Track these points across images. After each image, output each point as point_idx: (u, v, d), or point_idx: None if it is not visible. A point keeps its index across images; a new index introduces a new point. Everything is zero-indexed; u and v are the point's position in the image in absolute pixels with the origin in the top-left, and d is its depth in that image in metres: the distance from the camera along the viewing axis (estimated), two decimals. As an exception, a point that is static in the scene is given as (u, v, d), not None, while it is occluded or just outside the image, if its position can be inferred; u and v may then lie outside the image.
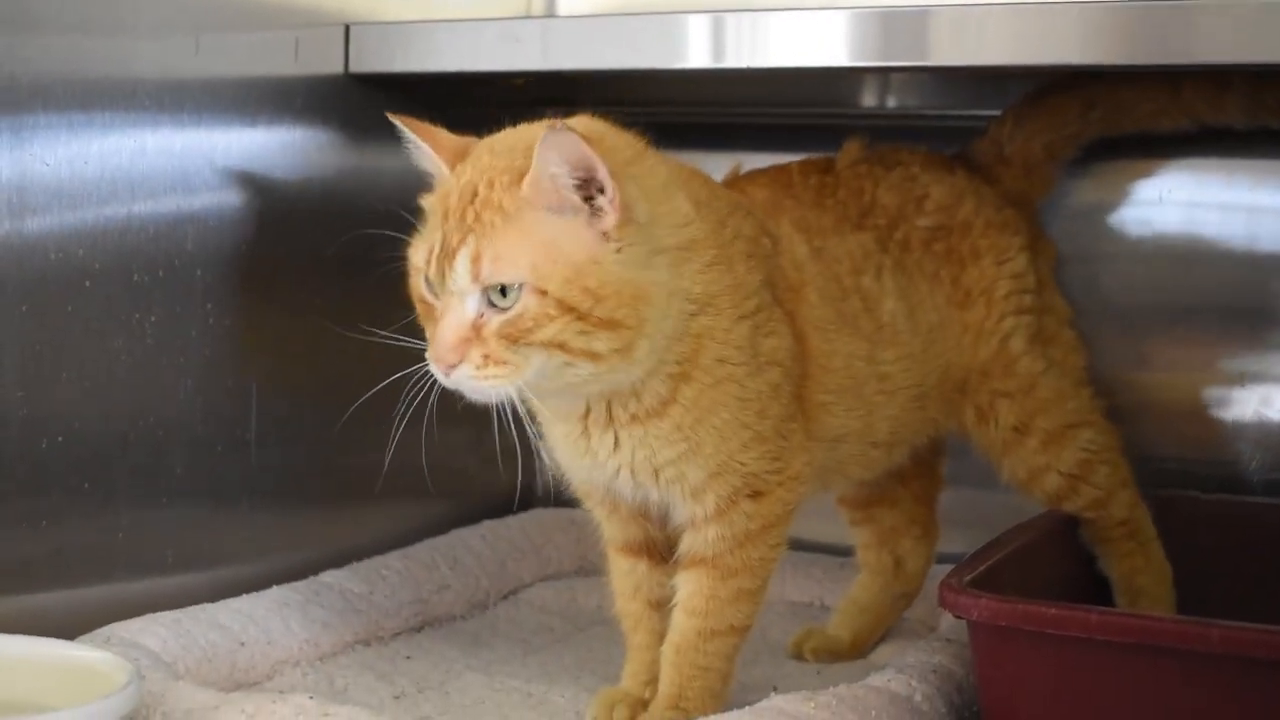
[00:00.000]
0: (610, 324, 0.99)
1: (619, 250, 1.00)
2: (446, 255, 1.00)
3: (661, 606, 1.15)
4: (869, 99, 1.55)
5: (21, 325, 1.12)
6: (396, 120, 1.08)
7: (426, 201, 1.07)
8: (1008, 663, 1.02)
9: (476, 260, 0.99)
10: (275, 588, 1.26)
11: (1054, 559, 1.25)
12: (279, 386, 1.34)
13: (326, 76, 1.37)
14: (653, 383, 1.04)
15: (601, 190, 0.99)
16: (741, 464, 1.07)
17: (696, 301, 1.04)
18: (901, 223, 1.24)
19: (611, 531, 1.15)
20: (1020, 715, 1.03)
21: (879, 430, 1.19)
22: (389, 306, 1.46)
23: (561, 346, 0.99)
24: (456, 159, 1.05)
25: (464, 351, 0.99)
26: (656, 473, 1.07)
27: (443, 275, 1.00)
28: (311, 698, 1.01)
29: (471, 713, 1.16)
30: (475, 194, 1.01)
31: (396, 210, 1.46)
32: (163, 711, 0.99)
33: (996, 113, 1.37)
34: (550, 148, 0.98)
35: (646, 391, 1.05)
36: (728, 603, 1.10)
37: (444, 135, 1.07)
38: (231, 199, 1.29)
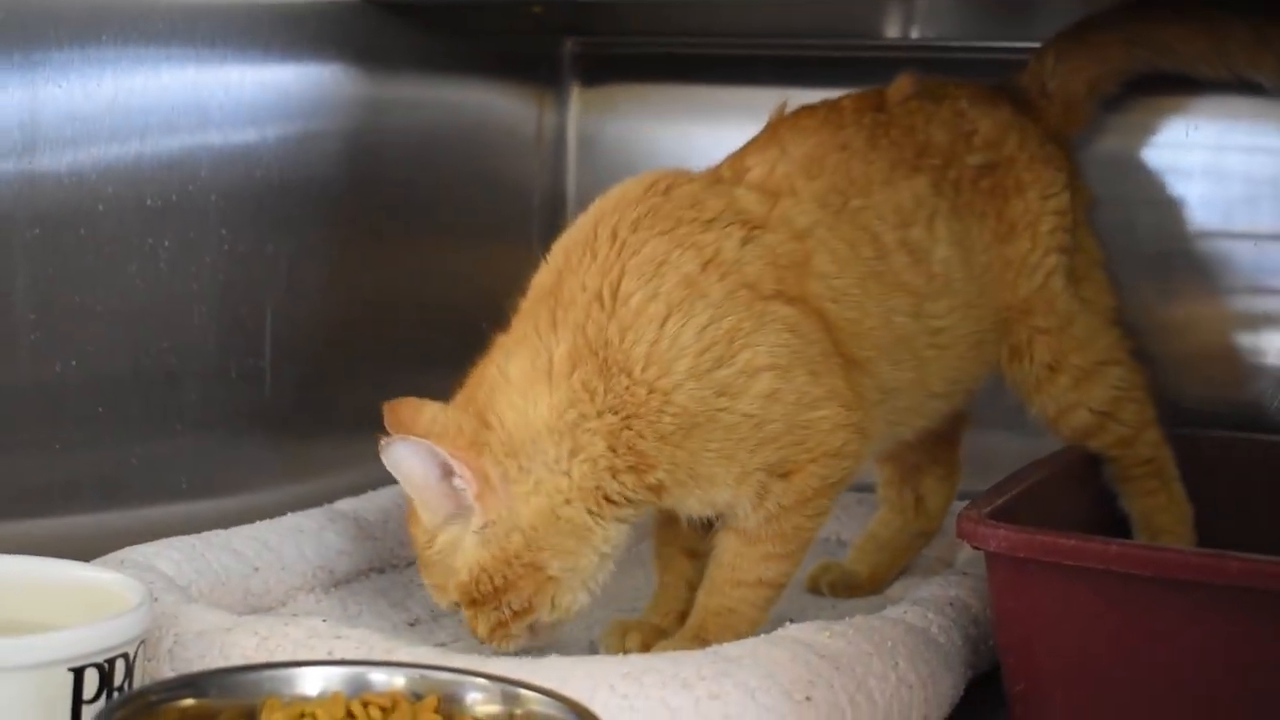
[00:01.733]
0: (517, 586, 1.05)
1: (480, 529, 1.04)
2: None
3: (696, 556, 1.14)
4: (893, 29, 1.53)
5: (33, 250, 1.11)
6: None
7: None
8: (1025, 595, 1.01)
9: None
10: (290, 515, 1.25)
11: (1073, 494, 1.24)
12: (294, 315, 1.33)
13: (343, 3, 1.36)
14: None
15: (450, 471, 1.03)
16: (756, 466, 1.06)
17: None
18: (954, 161, 1.21)
19: None
20: (1037, 648, 1.01)
21: (934, 382, 1.17)
22: (404, 237, 1.47)
23: (518, 616, 1.05)
24: None
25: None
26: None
27: None
28: (324, 621, 1.00)
29: (485, 640, 1.15)
30: None
31: (412, 139, 1.46)
32: (175, 633, 0.99)
33: (1023, 45, 1.36)
34: (393, 467, 1.04)
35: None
36: (757, 562, 1.09)
37: None
38: (247, 127, 1.28)
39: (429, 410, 1.06)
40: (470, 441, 1.03)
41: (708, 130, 1.57)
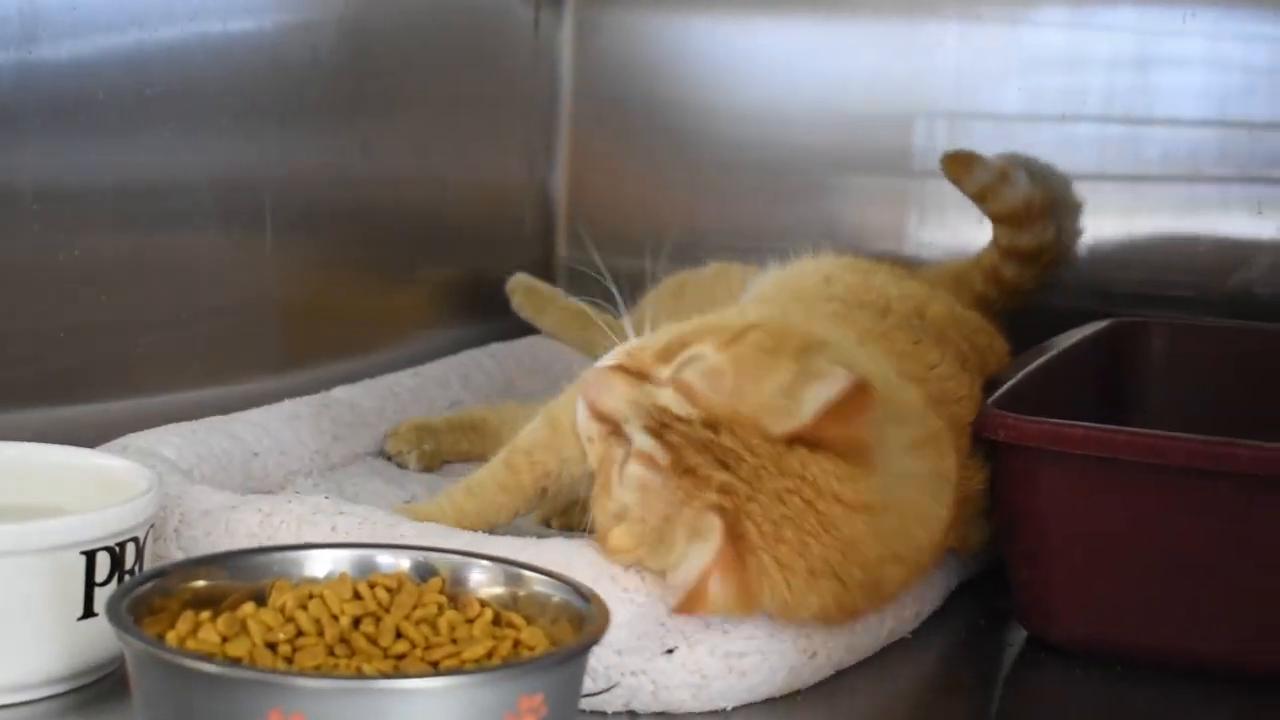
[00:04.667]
0: None
1: None
2: None
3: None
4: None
5: (34, 139, 1.11)
6: None
7: None
8: (1034, 485, 1.01)
9: None
10: (288, 401, 1.27)
11: (1080, 380, 1.24)
12: (292, 202, 1.33)
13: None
14: None
15: None
16: None
17: None
18: None
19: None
20: (1051, 538, 1.01)
21: None
22: (401, 124, 1.47)
23: None
24: None
25: None
26: None
27: None
28: (327, 497, 1.02)
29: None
30: None
31: (409, 26, 1.45)
32: (180, 512, 1.00)
33: None
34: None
35: None
36: None
37: None
38: (243, 15, 1.27)
39: None
40: None
41: (707, 21, 1.57)
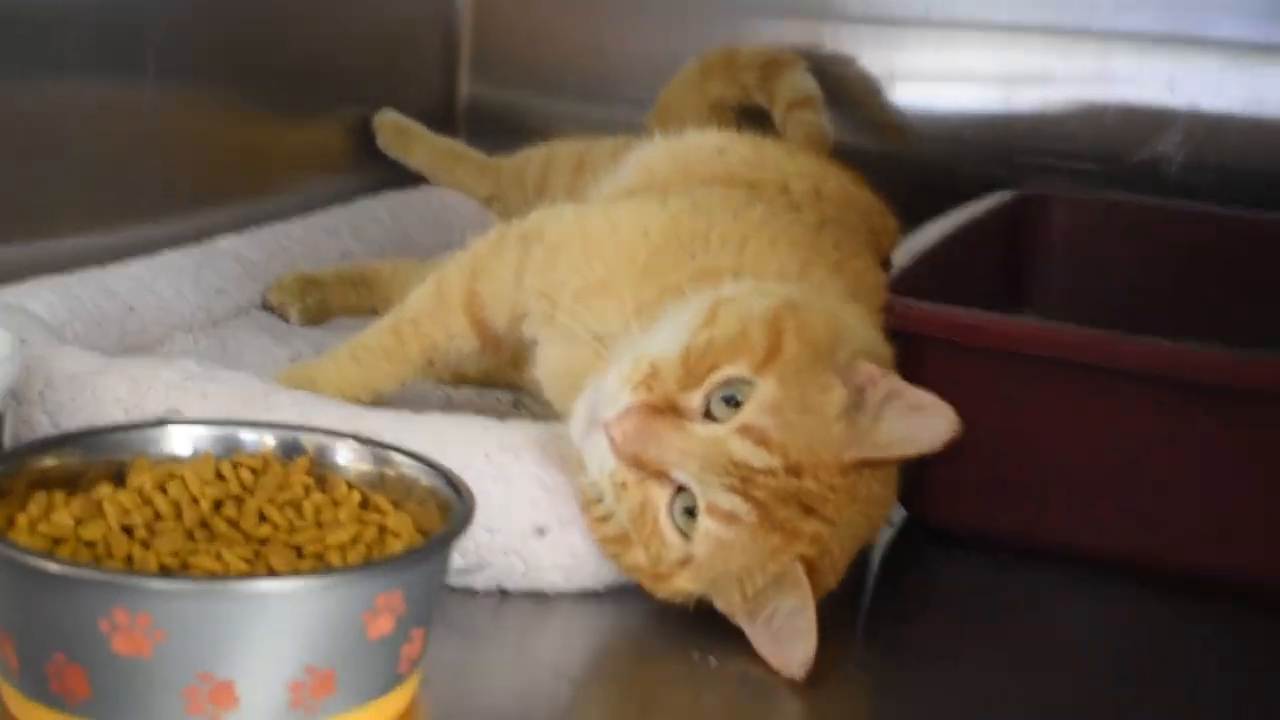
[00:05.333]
0: None
1: None
2: None
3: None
4: None
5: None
6: None
7: None
8: (920, 370, 0.98)
9: None
10: (168, 252, 1.23)
11: (979, 256, 1.22)
12: (178, 38, 1.27)
13: None
14: None
15: None
16: None
17: None
18: None
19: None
20: None
21: None
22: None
23: None
24: None
25: None
26: None
27: None
28: (199, 363, 0.99)
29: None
30: None
31: None
32: (46, 375, 0.97)
33: None
34: None
35: None
36: None
37: None
38: None
39: None
40: None
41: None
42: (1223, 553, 0.95)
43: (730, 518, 0.81)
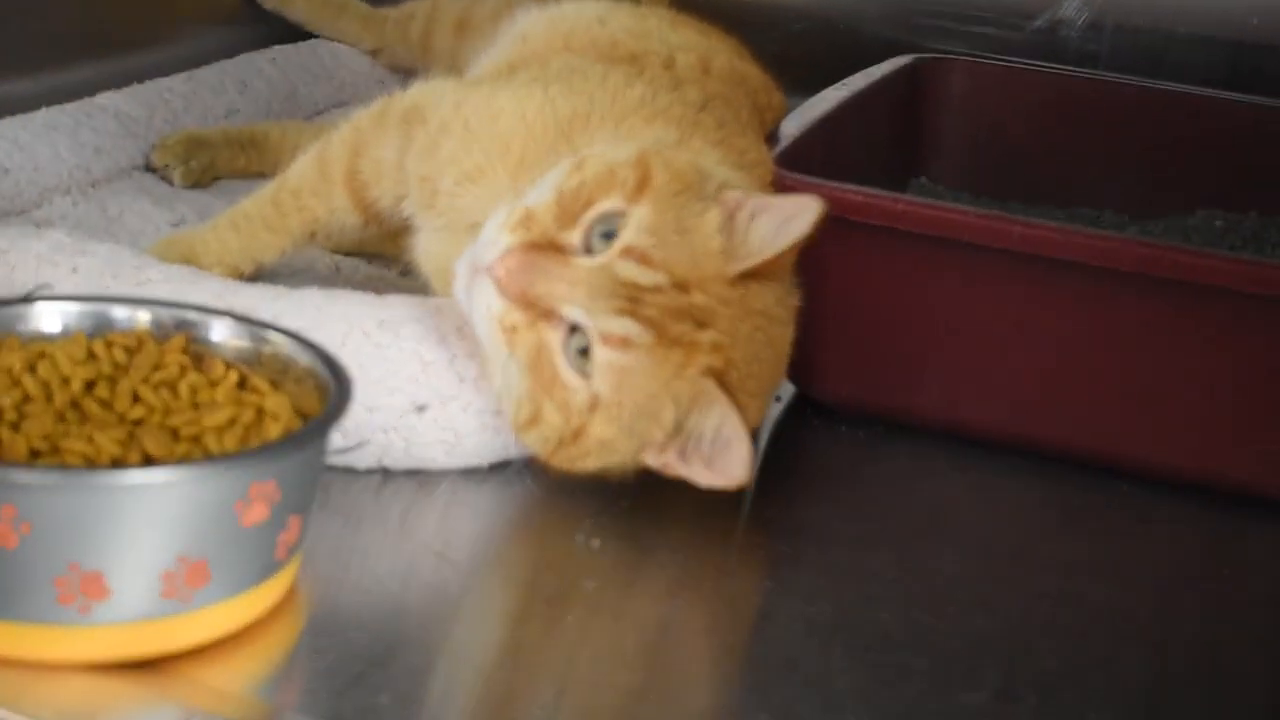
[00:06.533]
0: None
1: None
2: None
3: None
4: None
5: None
6: None
7: None
8: (814, 250, 0.98)
9: None
10: (44, 109, 1.19)
11: (876, 121, 1.20)
12: None
13: None
14: None
15: None
16: None
17: None
18: None
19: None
20: (820, 298, 0.94)
21: None
22: None
23: None
24: None
25: None
26: None
27: None
28: (69, 234, 0.96)
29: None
30: None
31: None
32: (-90, 248, 0.94)
33: None
34: None
35: None
36: None
37: None
38: None
39: None
40: None
41: None
42: (1096, 430, 0.96)
43: (625, 342, 0.81)
